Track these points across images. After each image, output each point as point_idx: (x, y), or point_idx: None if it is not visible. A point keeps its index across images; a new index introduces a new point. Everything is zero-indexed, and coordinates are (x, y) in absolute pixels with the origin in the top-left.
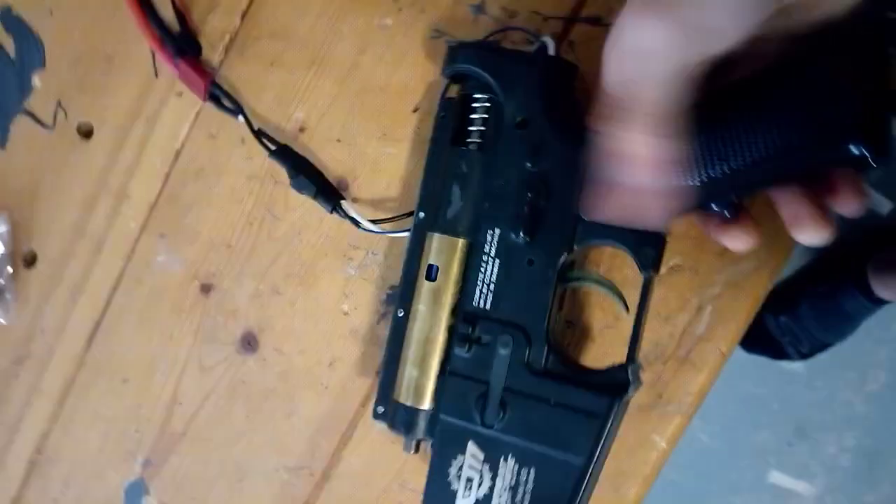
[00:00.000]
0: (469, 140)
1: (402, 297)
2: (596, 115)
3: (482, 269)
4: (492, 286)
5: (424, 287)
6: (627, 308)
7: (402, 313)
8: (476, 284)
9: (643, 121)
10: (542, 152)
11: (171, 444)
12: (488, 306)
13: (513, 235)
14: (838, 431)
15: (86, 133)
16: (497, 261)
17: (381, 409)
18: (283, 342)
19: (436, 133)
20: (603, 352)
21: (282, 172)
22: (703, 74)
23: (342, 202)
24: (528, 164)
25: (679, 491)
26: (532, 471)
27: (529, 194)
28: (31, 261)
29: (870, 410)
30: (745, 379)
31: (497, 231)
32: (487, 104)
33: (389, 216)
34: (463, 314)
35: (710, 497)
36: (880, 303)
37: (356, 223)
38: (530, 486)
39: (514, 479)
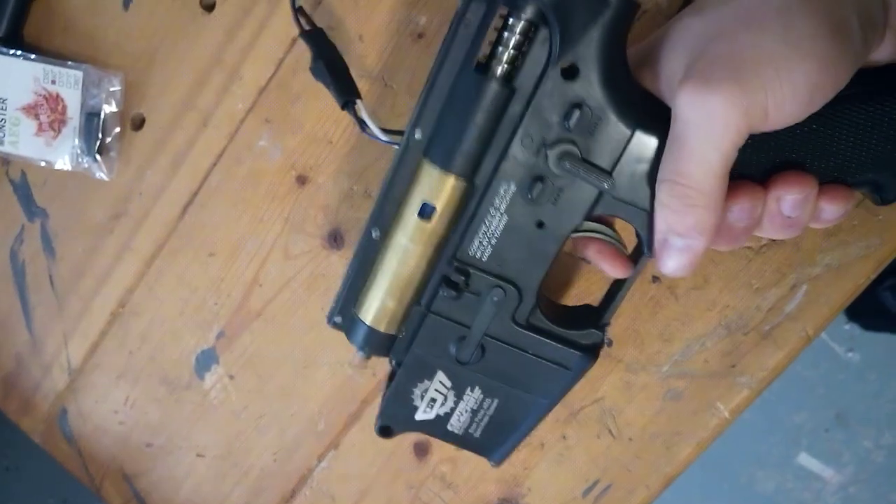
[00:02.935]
0: (492, 64)
1: (378, 217)
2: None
3: (486, 222)
4: (493, 240)
5: (413, 223)
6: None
7: (377, 235)
8: (477, 235)
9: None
10: (586, 114)
11: (246, 321)
12: (485, 258)
13: (529, 195)
14: (879, 427)
15: (208, 6)
16: (505, 217)
17: (338, 320)
18: None
19: (454, 43)
20: (685, 312)
21: (395, 77)
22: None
23: (357, 101)
24: (567, 124)
25: (703, 454)
26: (496, 401)
27: (559, 159)
28: (139, 124)
29: None
30: (796, 359)
31: (513, 187)
32: (526, 25)
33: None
34: (457, 262)
35: (733, 465)
36: None
37: (363, 126)
38: (491, 412)
39: (478, 405)
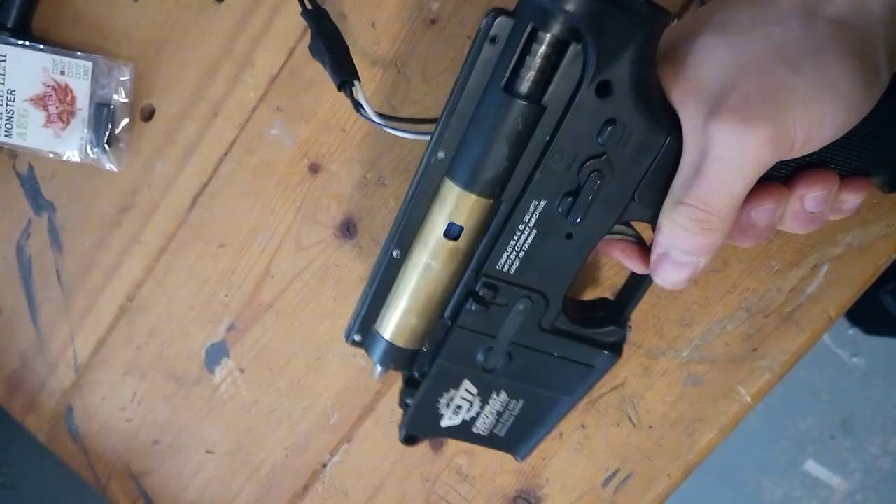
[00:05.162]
0: (520, 82)
1: (400, 237)
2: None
3: (515, 237)
4: (521, 254)
5: (439, 242)
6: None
7: (399, 255)
8: (505, 250)
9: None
10: (619, 129)
11: (257, 313)
12: (513, 271)
13: (558, 209)
14: (886, 433)
15: None
16: (535, 231)
17: (357, 338)
18: (381, 233)
19: (478, 60)
20: (705, 295)
21: (407, 64)
22: None
23: (355, 82)
24: (599, 140)
25: (709, 462)
26: (521, 402)
27: (591, 174)
28: (148, 115)
29: None
30: (801, 365)
31: (542, 203)
32: (557, 42)
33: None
34: (484, 277)
35: (739, 474)
36: None
37: (357, 107)
38: (516, 412)
39: (504, 407)
